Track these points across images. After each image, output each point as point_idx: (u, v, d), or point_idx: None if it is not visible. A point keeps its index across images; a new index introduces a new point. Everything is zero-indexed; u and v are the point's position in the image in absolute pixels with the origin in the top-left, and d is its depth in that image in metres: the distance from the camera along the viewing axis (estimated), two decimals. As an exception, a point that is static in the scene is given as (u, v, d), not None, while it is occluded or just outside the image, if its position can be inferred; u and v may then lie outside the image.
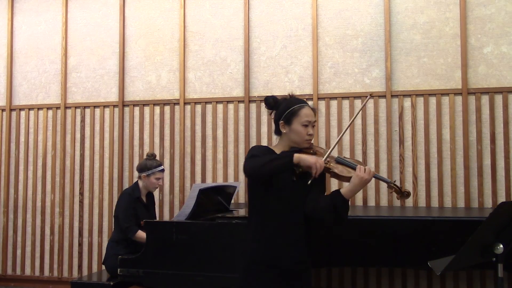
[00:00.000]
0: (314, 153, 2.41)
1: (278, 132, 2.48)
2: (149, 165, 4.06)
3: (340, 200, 2.27)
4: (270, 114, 2.53)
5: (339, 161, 2.41)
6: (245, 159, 2.39)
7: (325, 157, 2.33)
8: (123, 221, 3.91)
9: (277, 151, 2.44)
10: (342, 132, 2.66)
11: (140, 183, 4.10)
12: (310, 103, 4.53)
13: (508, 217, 2.02)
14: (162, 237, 3.40)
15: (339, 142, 4.52)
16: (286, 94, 2.54)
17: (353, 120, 2.71)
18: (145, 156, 4.36)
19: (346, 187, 2.29)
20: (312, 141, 2.47)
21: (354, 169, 2.32)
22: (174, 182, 4.88)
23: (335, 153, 2.61)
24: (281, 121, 2.42)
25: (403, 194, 2.36)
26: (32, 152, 5.28)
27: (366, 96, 4.47)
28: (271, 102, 2.49)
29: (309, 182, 2.26)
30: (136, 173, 4.95)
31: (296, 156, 2.25)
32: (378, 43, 4.52)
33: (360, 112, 4.50)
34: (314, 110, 2.46)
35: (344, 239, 3.32)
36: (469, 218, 3.53)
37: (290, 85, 4.67)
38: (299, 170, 2.31)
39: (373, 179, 2.31)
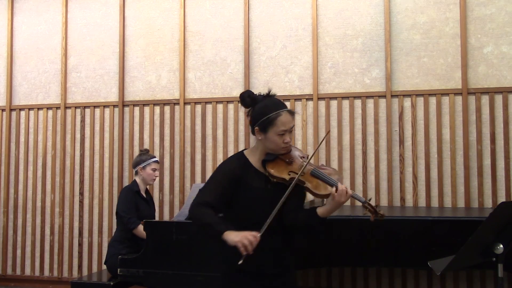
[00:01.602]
0: (290, 163, 2.28)
1: (254, 133, 2.33)
2: (143, 158, 4.15)
3: (316, 222, 2.21)
4: (248, 114, 2.37)
5: (315, 175, 2.25)
6: (198, 191, 2.27)
7: (298, 174, 2.20)
8: (124, 213, 3.92)
9: (253, 159, 2.32)
10: (318, 144, 2.51)
11: (138, 179, 4.14)
12: (309, 102, 4.57)
13: (508, 217, 2.02)
14: (162, 237, 3.40)
15: (338, 136, 4.52)
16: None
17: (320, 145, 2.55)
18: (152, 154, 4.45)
19: (323, 208, 2.20)
20: (291, 145, 2.33)
21: (331, 185, 2.19)
22: (174, 182, 4.88)
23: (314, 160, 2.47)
24: (256, 127, 2.28)
25: (377, 215, 2.20)
26: (32, 152, 5.28)
27: (365, 97, 4.50)
28: (248, 101, 2.35)
29: (240, 262, 2.06)
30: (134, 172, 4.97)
31: (225, 234, 2.11)
32: (378, 43, 4.52)
33: (360, 113, 4.51)
34: (293, 114, 2.29)
35: (344, 239, 3.32)
36: (469, 218, 3.52)
37: (290, 85, 4.67)
38: (273, 180, 2.25)
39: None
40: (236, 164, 2.31)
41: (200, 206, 2.22)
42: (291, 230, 2.32)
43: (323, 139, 2.56)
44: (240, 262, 2.06)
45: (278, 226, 2.26)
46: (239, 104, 4.99)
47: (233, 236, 2.09)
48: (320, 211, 2.20)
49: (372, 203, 2.24)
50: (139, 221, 3.89)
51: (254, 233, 2.08)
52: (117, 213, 4.05)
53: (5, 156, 5.33)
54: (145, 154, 4.19)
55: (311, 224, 2.23)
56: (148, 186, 4.27)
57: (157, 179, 4.32)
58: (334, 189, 2.16)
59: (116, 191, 5.01)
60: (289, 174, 2.23)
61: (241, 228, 2.17)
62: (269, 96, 2.35)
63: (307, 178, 2.23)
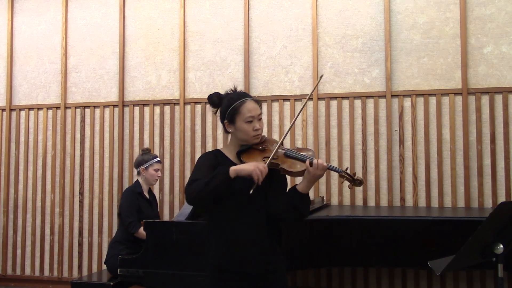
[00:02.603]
0: (264, 149, 2.30)
1: (226, 131, 2.36)
2: (146, 158, 4.11)
3: (298, 198, 2.21)
4: (215, 113, 2.40)
5: (288, 155, 2.28)
6: (186, 184, 2.23)
7: (271, 155, 2.21)
8: (126, 217, 3.91)
9: (228, 153, 2.34)
10: (291, 124, 2.48)
11: (140, 179, 4.12)
12: (309, 102, 4.57)
13: (508, 217, 2.02)
14: (162, 237, 3.40)
15: (338, 135, 4.52)
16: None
17: (301, 110, 2.46)
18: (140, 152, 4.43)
19: (301, 182, 2.22)
20: (262, 134, 2.35)
21: (304, 161, 2.21)
22: (174, 182, 4.88)
23: (287, 146, 2.46)
24: (225, 121, 2.32)
25: (355, 181, 2.23)
26: (32, 152, 5.28)
27: (365, 97, 4.50)
28: (216, 100, 2.38)
29: (251, 191, 2.10)
30: (136, 173, 4.97)
31: (232, 170, 2.12)
32: (378, 43, 4.52)
33: (360, 113, 4.51)
34: (258, 102, 2.33)
35: (344, 239, 3.32)
36: (469, 218, 3.53)
37: (290, 85, 4.67)
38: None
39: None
40: (212, 156, 2.35)
41: (192, 182, 2.20)
42: (276, 218, 2.31)
43: (317, 84, 2.63)
44: (252, 191, 2.10)
45: (262, 218, 2.27)
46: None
47: (245, 166, 2.12)
48: (299, 187, 2.22)
49: (349, 171, 2.27)
50: (140, 225, 3.89)
51: (262, 163, 2.14)
52: (119, 214, 4.05)
53: (5, 156, 5.33)
54: (147, 154, 4.15)
55: (294, 203, 2.23)
56: (151, 186, 4.27)
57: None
58: (308, 162, 2.19)
59: (116, 191, 5.01)
60: (264, 160, 2.25)
61: (225, 225, 2.23)
62: (234, 92, 2.40)
63: (281, 160, 2.27)
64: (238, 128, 2.29)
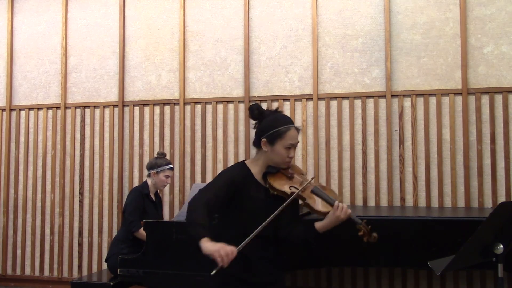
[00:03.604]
0: (291, 177, 2.35)
1: (257, 145, 2.39)
2: (159, 163, 4.10)
3: (312, 235, 2.31)
4: (254, 127, 2.43)
5: (316, 192, 2.33)
6: (199, 191, 2.29)
7: (299, 190, 2.27)
8: (129, 215, 3.91)
9: (254, 169, 2.37)
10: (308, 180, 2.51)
11: (149, 181, 4.12)
12: (309, 102, 4.57)
13: (508, 217, 2.02)
14: (162, 237, 3.40)
15: (338, 136, 4.52)
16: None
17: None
18: (155, 155, 4.45)
19: (321, 222, 2.30)
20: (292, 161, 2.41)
21: (331, 204, 2.28)
22: (174, 182, 4.88)
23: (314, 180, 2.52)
24: (264, 139, 2.34)
25: (370, 237, 2.29)
26: (32, 152, 5.28)
27: (365, 97, 4.50)
28: (256, 114, 2.40)
29: (213, 272, 2.04)
30: (136, 173, 4.97)
31: (202, 243, 2.07)
32: (378, 43, 4.52)
33: (360, 113, 4.51)
34: (299, 131, 2.40)
35: (344, 239, 3.32)
36: (469, 218, 3.52)
37: (290, 85, 4.67)
38: (273, 193, 2.30)
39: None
40: (238, 172, 2.36)
41: (199, 202, 2.23)
42: (285, 242, 2.41)
43: None
44: (213, 272, 2.04)
45: (272, 237, 2.36)
46: (239, 104, 5.02)
47: (210, 245, 2.06)
48: (318, 225, 2.29)
49: (367, 225, 2.33)
50: (141, 225, 3.89)
51: (231, 247, 2.06)
52: (123, 212, 4.05)
53: (5, 156, 5.33)
54: (161, 159, 4.13)
55: (307, 238, 2.32)
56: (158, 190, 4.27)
57: None
58: (335, 204, 2.25)
59: (116, 191, 5.01)
60: (290, 189, 2.30)
61: (237, 233, 2.25)
62: (277, 112, 2.44)
63: (308, 195, 2.31)
64: (275, 151, 2.33)
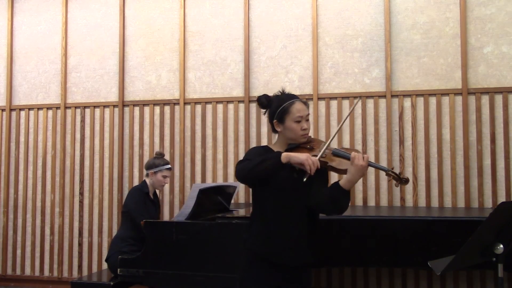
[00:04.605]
0: (312, 148, 2.40)
1: (274, 130, 2.48)
2: (157, 163, 4.10)
3: (339, 192, 2.28)
4: (264, 113, 2.53)
5: (336, 153, 2.37)
6: (237, 163, 2.40)
7: (321, 152, 2.30)
8: (137, 213, 3.87)
9: (276, 150, 2.44)
10: (341, 123, 2.61)
11: (148, 181, 4.12)
12: (310, 102, 4.57)
13: (508, 217, 2.02)
14: (162, 237, 3.40)
15: (338, 136, 4.52)
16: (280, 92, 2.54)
17: (350, 112, 2.70)
18: (153, 155, 4.42)
19: (344, 178, 2.29)
20: (309, 135, 2.47)
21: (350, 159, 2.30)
22: (174, 182, 4.88)
23: (334, 145, 2.58)
24: (275, 120, 2.43)
25: (401, 180, 2.31)
26: (32, 152, 5.28)
27: (365, 97, 4.49)
28: (264, 101, 2.49)
29: (305, 179, 2.23)
30: (136, 173, 4.97)
31: (284, 155, 2.24)
32: (378, 43, 4.52)
33: (360, 113, 4.51)
34: (306, 104, 2.45)
35: (344, 239, 3.32)
36: (469, 218, 3.52)
37: (290, 85, 4.67)
38: (297, 168, 2.30)
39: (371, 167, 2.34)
40: (262, 150, 2.46)
41: (244, 160, 2.35)
42: (317, 209, 2.42)
43: (351, 110, 2.88)
44: (305, 179, 2.21)
45: (304, 214, 2.38)
46: (239, 104, 5.03)
47: (297, 154, 2.22)
48: (342, 182, 2.29)
49: (396, 171, 2.36)
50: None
51: (314, 157, 2.22)
52: (123, 211, 4.04)
53: (5, 156, 5.33)
54: (159, 159, 4.13)
55: (335, 197, 2.30)
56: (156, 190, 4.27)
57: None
58: (352, 155, 2.25)
59: (116, 191, 5.01)
60: None
61: (267, 216, 2.36)
62: (281, 94, 2.52)
63: (330, 158, 2.35)
64: (287, 127, 2.40)
